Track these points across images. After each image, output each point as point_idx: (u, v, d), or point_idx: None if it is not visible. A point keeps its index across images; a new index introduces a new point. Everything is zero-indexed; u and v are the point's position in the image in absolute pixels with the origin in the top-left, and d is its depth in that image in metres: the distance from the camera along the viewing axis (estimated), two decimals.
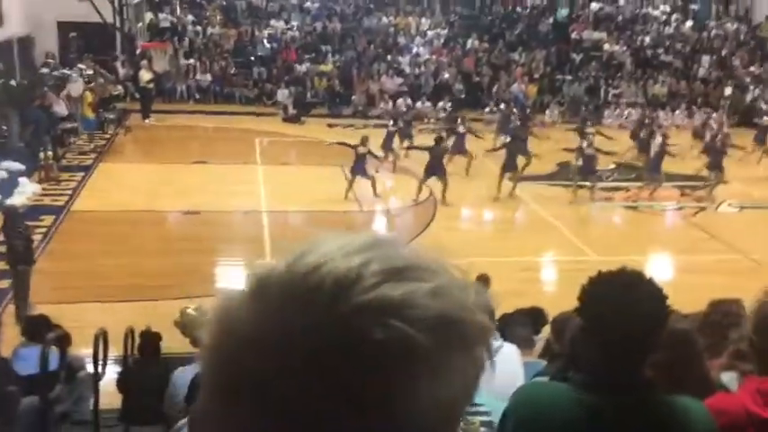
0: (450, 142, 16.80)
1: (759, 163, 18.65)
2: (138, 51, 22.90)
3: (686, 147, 19.42)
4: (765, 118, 20.31)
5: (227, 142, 19.35)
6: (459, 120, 18.24)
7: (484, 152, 17.34)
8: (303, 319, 0.56)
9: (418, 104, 23.28)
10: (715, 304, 4.06)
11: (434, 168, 14.88)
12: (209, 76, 23.59)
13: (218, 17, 25.37)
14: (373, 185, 14.77)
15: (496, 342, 3.87)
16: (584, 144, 16.18)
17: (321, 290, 0.57)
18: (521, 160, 16.09)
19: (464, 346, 0.60)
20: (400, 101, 23.43)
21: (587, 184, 16.57)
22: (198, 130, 20.83)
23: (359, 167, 14.70)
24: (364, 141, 15.08)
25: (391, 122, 17.99)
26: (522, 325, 5.24)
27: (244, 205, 14.12)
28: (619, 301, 1.71)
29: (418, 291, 0.58)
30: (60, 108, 17.74)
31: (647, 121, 20.41)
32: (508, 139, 16.97)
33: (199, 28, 24.91)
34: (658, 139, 16.97)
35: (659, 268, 13.15)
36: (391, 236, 0.68)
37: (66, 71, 19.25)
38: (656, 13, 27.85)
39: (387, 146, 16.99)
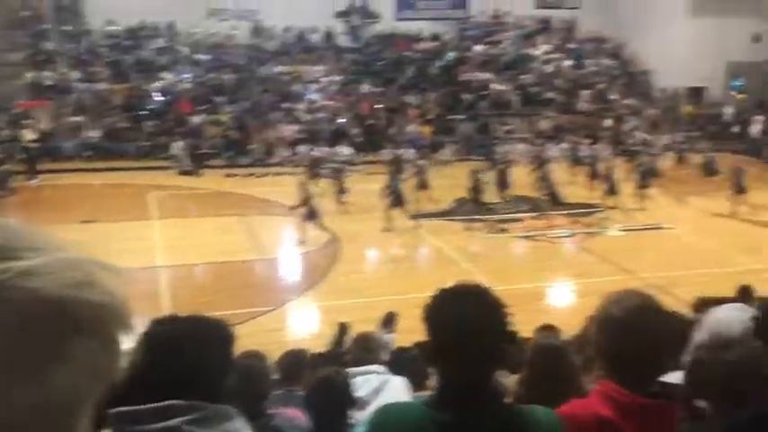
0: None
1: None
2: (16, 111, 21.99)
3: (572, 177, 20.44)
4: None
5: (120, 198, 18.76)
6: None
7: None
8: None
9: (316, 150, 23.40)
10: (592, 319, 4.21)
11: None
12: (98, 133, 22.91)
13: (106, 73, 24.79)
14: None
15: (383, 375, 3.88)
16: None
17: None
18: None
19: (78, 329, 0.56)
20: (300, 147, 23.53)
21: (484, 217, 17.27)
22: (87, 188, 20.10)
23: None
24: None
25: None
26: (417, 359, 5.27)
27: (138, 262, 13.63)
28: (455, 314, 1.75)
29: (10, 270, 0.53)
30: None
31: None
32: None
33: (86, 85, 24.23)
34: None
35: (556, 293, 13.63)
36: (1, 218, 0.60)
37: None
38: (538, 53, 29.36)
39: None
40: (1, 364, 0.51)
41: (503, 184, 18.78)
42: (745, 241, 16.12)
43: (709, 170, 19.89)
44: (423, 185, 17.80)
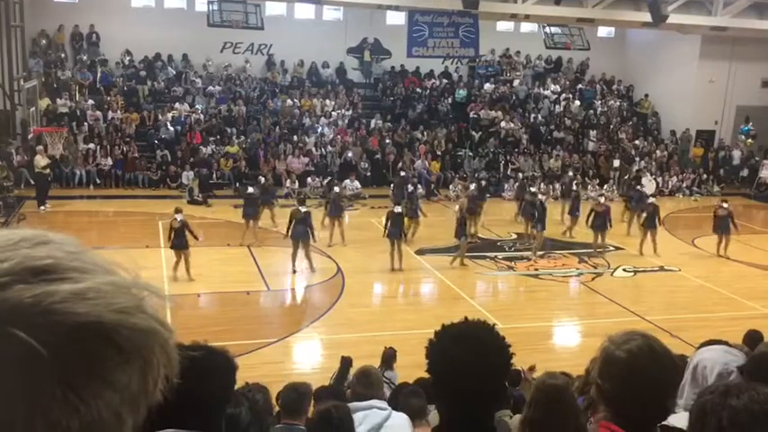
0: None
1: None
2: (30, 136, 22.26)
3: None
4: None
5: (129, 226, 18.87)
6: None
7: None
8: None
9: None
10: (594, 360, 4.17)
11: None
12: (109, 160, 23.13)
13: (120, 102, 25.11)
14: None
15: (384, 411, 3.85)
16: None
17: None
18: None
19: (123, 356, 0.55)
20: (309, 180, 23.66)
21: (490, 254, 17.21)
22: (98, 215, 20.23)
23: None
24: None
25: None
26: (417, 395, 5.22)
27: None
28: (458, 352, 1.74)
29: (58, 294, 0.52)
30: None
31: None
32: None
33: (99, 113, 24.53)
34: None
35: (562, 333, 13.52)
36: (55, 234, 0.59)
37: None
38: (547, 92, 29.57)
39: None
40: (38, 388, 0.50)
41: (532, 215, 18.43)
42: (754, 285, 16.00)
43: None
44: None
